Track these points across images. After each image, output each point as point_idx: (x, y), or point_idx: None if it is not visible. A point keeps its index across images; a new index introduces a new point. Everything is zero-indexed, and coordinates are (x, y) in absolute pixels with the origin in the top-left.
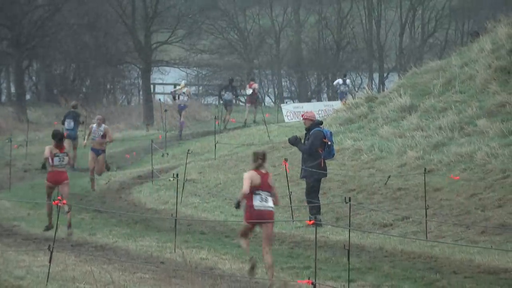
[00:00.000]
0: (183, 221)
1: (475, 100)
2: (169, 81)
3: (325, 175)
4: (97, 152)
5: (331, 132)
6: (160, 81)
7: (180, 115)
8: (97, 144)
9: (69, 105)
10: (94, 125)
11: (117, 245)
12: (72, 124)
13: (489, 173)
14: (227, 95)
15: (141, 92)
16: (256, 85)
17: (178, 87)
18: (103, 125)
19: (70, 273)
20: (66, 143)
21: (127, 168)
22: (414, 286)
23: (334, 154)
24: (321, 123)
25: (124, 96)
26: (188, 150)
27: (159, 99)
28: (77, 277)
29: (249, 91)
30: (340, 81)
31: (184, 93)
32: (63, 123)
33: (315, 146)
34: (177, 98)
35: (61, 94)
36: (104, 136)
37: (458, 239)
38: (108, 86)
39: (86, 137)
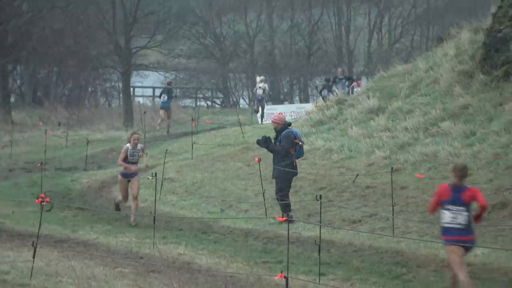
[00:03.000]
0: (162, 218)
1: (439, 103)
2: (148, 84)
3: (296, 174)
4: (129, 176)
5: (299, 133)
6: (140, 84)
7: (258, 106)
8: (134, 168)
9: (52, 107)
10: (129, 145)
11: (98, 241)
12: (166, 97)
13: None
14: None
15: (121, 95)
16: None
17: (259, 82)
18: (140, 145)
19: (53, 268)
20: (162, 113)
21: (108, 167)
22: (382, 280)
23: (303, 153)
24: (289, 124)
25: (105, 99)
26: (166, 150)
27: (139, 102)
28: (60, 272)
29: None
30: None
31: (260, 87)
32: (160, 97)
33: (288, 146)
34: (254, 90)
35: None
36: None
37: (423, 234)
38: (90, 89)
39: (120, 161)
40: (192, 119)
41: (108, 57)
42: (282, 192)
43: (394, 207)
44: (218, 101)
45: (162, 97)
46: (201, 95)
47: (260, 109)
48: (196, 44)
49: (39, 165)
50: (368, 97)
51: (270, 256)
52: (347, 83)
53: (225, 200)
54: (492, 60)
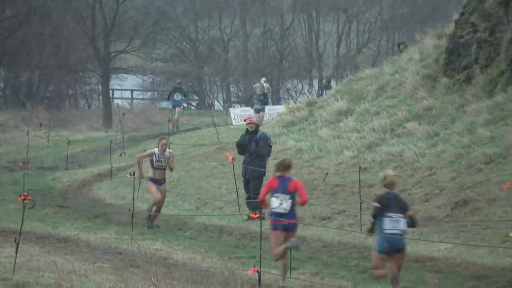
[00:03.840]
0: (139, 215)
1: (405, 105)
2: (127, 86)
3: (265, 173)
4: (160, 182)
5: (269, 135)
6: (119, 87)
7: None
8: (161, 173)
9: (34, 109)
10: (156, 150)
11: (78, 237)
12: (180, 96)
13: (417, 171)
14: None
15: (100, 97)
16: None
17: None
18: (168, 150)
19: (35, 263)
20: (175, 110)
21: (88, 166)
22: (350, 274)
23: (271, 153)
24: (259, 126)
25: (85, 101)
26: (144, 150)
27: (118, 104)
28: (42, 267)
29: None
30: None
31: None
32: (169, 97)
33: (266, 147)
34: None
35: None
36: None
37: None
38: (70, 92)
39: (137, 157)
40: (168, 120)
41: (88, 61)
42: (258, 191)
43: (361, 204)
44: (193, 103)
45: (175, 96)
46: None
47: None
48: (173, 48)
49: (21, 164)
50: (337, 100)
51: (243, 251)
52: (264, 100)
53: (200, 198)
54: (455, 65)
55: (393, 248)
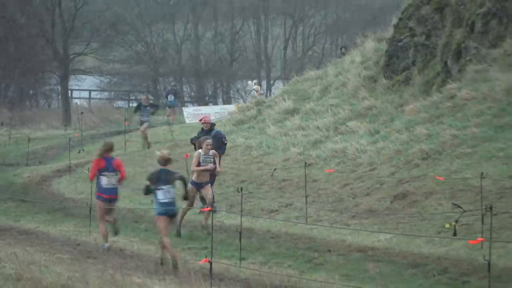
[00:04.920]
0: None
1: (347, 104)
2: (85, 87)
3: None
4: (200, 186)
5: (223, 133)
6: (77, 87)
7: None
8: (206, 175)
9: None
10: (201, 151)
11: (39, 230)
12: (173, 97)
13: (359, 166)
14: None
15: (60, 97)
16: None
17: (254, 85)
18: (212, 150)
19: None
20: (169, 110)
21: (48, 163)
22: (296, 263)
23: (225, 150)
24: (214, 124)
25: (45, 100)
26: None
27: (76, 103)
28: (3, 258)
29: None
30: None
31: (254, 89)
32: (166, 97)
33: (218, 145)
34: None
35: None
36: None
37: (333, 222)
38: (31, 92)
39: (194, 167)
40: (125, 119)
41: (48, 63)
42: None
43: (307, 198)
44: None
45: (169, 97)
46: (133, 97)
47: None
48: (129, 51)
49: None
50: (284, 99)
51: (196, 242)
52: (151, 110)
53: None
54: (394, 67)
55: (168, 213)
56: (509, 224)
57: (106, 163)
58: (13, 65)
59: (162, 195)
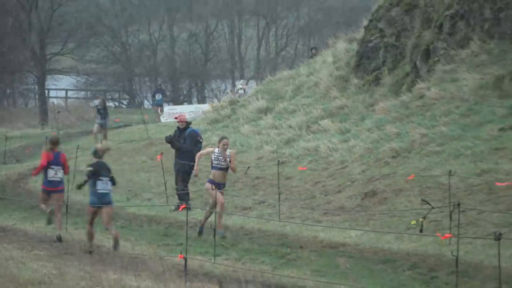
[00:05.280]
0: (74, 206)
1: (319, 103)
2: (62, 86)
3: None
4: (220, 187)
5: (199, 131)
6: (54, 87)
7: None
8: (221, 176)
9: None
10: (216, 149)
11: (16, 227)
12: (160, 96)
13: (330, 164)
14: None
15: (37, 96)
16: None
17: (240, 84)
18: (229, 150)
19: None
20: (156, 109)
21: (25, 161)
22: (269, 259)
23: (201, 149)
24: (190, 123)
25: (22, 100)
26: (78, 146)
27: (53, 102)
28: None
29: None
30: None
31: (241, 87)
32: (153, 96)
33: (193, 144)
34: (236, 91)
35: None
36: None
37: (305, 219)
38: (8, 91)
39: (200, 154)
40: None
41: (25, 62)
42: (184, 182)
43: (280, 195)
44: (124, 102)
45: (156, 95)
46: (109, 97)
47: None
48: (105, 51)
49: None
50: (258, 99)
51: (171, 239)
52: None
53: (131, 189)
54: (364, 67)
55: (103, 203)
56: (476, 221)
57: (54, 156)
58: None
59: (101, 185)
